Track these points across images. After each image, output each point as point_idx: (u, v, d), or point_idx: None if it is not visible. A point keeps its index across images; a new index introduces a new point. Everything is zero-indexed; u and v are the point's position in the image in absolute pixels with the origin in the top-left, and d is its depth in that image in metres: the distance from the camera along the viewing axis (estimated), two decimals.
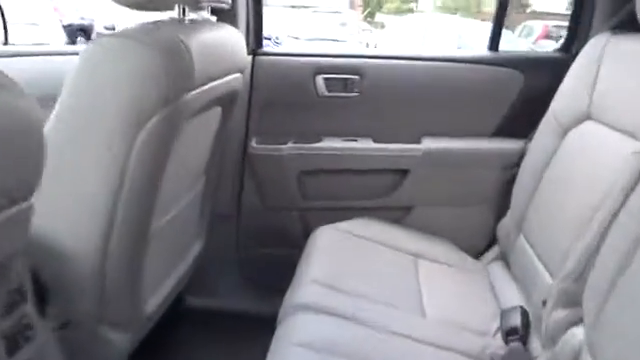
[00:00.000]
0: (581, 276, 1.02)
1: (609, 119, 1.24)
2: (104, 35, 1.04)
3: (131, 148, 0.98)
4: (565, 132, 1.36)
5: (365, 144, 1.69)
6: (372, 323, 1.15)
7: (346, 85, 1.66)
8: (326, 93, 1.65)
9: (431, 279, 1.40)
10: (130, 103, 0.98)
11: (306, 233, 1.62)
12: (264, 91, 1.66)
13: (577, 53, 1.53)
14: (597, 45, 1.36)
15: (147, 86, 0.98)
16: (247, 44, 1.59)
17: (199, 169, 1.44)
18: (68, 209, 1.01)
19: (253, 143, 1.67)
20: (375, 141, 1.69)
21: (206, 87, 1.15)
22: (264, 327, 1.23)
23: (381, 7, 11.05)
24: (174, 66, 1.02)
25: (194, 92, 1.09)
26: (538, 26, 7.71)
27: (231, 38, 1.34)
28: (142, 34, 1.02)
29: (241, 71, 1.40)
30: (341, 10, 8.12)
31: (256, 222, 1.75)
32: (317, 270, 1.32)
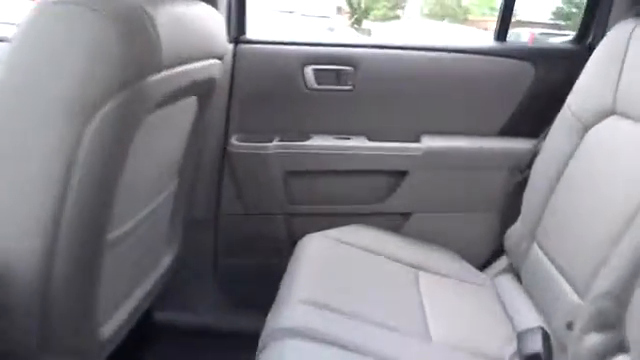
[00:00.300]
0: (621, 294, 0.85)
1: (638, 113, 1.07)
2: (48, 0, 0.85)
3: (78, 141, 0.80)
4: (585, 129, 1.20)
5: (359, 143, 1.51)
6: (371, 350, 0.95)
7: (338, 77, 1.49)
8: (316, 86, 1.48)
9: (434, 294, 1.22)
10: (77, 85, 0.79)
11: (292, 241, 1.45)
12: (247, 83, 1.48)
13: (592, 44, 1.39)
14: (621, 32, 1.20)
15: (99, 64, 0.79)
16: (228, 30, 1.41)
17: (171, 169, 1.26)
18: (3, 212, 0.83)
19: (233, 140, 1.49)
20: (370, 139, 1.52)
21: (176, 70, 0.97)
22: (244, 347, 1.07)
23: (368, 14, 10.96)
24: (134, 41, 0.82)
25: (160, 75, 0.90)
26: (525, 33, 7.69)
27: (208, 17, 1.15)
28: (96, 0, 0.83)
29: (220, 57, 1.21)
30: (329, 15, 8.03)
31: (236, 229, 1.56)
32: (305, 286, 1.13)
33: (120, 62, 0.81)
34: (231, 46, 1.46)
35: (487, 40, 1.59)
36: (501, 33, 1.54)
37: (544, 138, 1.37)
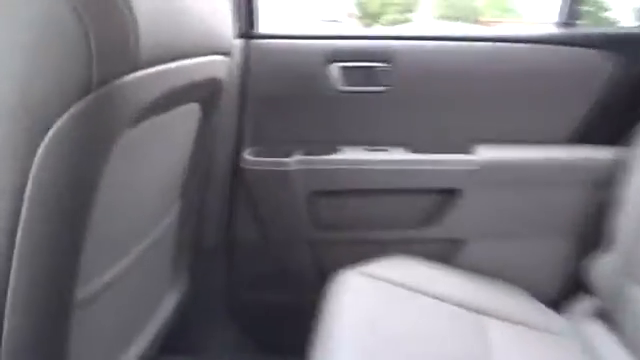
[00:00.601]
0: None
1: None
2: None
3: (27, 166, 0.54)
4: None
5: (399, 155, 1.21)
6: None
7: (371, 76, 1.20)
8: (344, 87, 1.20)
9: (510, 351, 0.91)
10: (17, 89, 0.53)
11: (319, 273, 1.19)
12: (260, 86, 1.20)
13: None
14: None
15: (49, 59, 0.53)
16: (236, 24, 1.14)
17: (171, 192, 0.99)
18: None
19: (247, 155, 1.20)
20: (413, 151, 1.21)
21: (162, 68, 0.69)
22: None
23: (379, 18, 10.84)
24: (100, 24, 0.55)
25: (139, 74, 0.63)
26: None
27: (207, 3, 0.87)
28: None
29: (225, 53, 0.94)
30: (339, 19, 7.88)
31: (252, 259, 1.28)
32: (346, 346, 0.84)
33: (80, 55, 0.53)
34: (240, 42, 1.18)
35: (551, 27, 1.28)
36: (570, 15, 1.23)
37: (632, 145, 1.06)
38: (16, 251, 0.56)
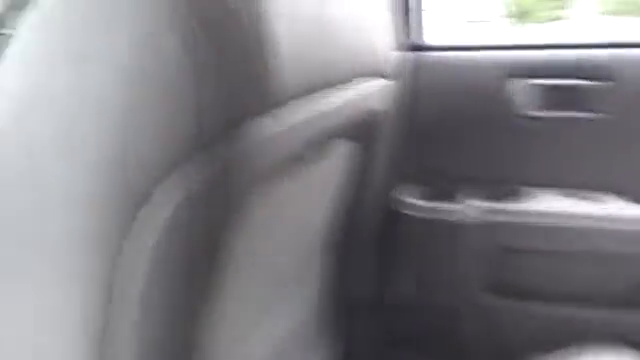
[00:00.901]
0: None
1: None
2: None
3: (114, 248, 0.36)
4: None
5: (613, 208, 0.88)
6: None
7: (577, 97, 0.90)
8: (536, 112, 0.91)
9: None
10: (107, 142, 0.35)
11: (495, 353, 0.92)
12: (424, 109, 0.97)
13: None
14: None
15: (151, 100, 0.35)
16: (396, 34, 0.90)
17: (311, 247, 0.78)
18: None
19: (404, 197, 0.96)
20: (633, 201, 0.89)
21: (309, 102, 0.49)
22: None
23: (531, 16, 10.13)
24: (226, 57, 0.37)
25: (276, 114, 0.44)
26: None
27: (360, 12, 0.63)
28: None
29: (383, 75, 0.70)
30: (490, 19, 7.49)
31: (408, 323, 1.04)
32: None
33: (196, 83, 0.35)
34: (400, 55, 0.94)
35: None
36: None
37: None
38: None
